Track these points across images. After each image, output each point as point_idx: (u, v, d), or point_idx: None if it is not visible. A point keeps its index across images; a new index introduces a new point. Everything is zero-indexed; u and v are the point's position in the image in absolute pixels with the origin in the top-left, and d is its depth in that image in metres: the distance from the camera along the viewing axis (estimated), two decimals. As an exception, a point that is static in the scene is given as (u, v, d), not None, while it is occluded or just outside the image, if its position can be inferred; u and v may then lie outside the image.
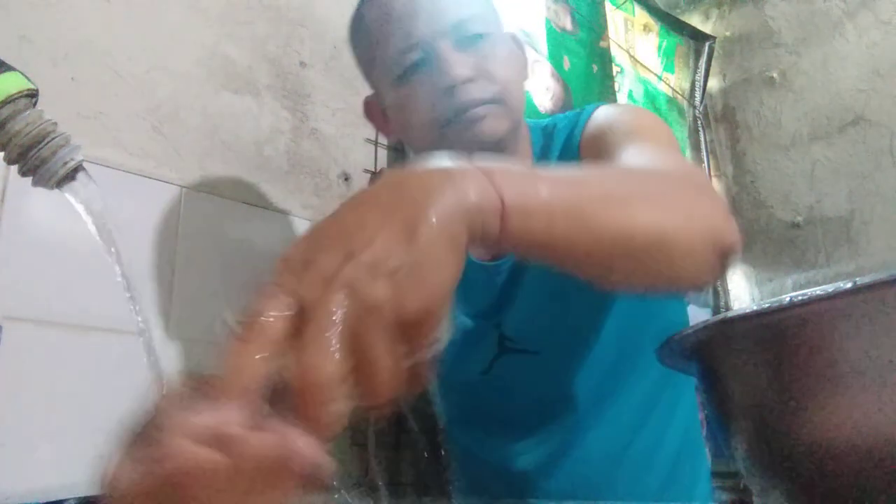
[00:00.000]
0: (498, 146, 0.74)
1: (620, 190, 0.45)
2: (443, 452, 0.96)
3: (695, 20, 2.23)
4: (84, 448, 0.80)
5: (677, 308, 0.86)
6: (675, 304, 0.86)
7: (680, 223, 0.45)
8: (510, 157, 0.77)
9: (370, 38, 0.76)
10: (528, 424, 0.81)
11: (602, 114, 0.77)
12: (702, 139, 2.11)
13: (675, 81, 2.07)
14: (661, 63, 2.03)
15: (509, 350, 0.80)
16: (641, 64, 1.94)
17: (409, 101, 0.74)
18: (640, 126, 0.70)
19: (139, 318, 0.45)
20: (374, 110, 0.83)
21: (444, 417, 0.92)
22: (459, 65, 0.70)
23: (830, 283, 0.29)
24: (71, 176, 0.45)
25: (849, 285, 0.29)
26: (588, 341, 0.77)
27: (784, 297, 0.31)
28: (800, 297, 0.30)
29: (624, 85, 1.84)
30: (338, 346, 0.28)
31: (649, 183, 0.49)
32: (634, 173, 0.54)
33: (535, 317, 0.78)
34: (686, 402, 0.85)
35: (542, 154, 0.80)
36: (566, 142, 0.79)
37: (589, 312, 0.77)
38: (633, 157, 0.62)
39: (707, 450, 0.90)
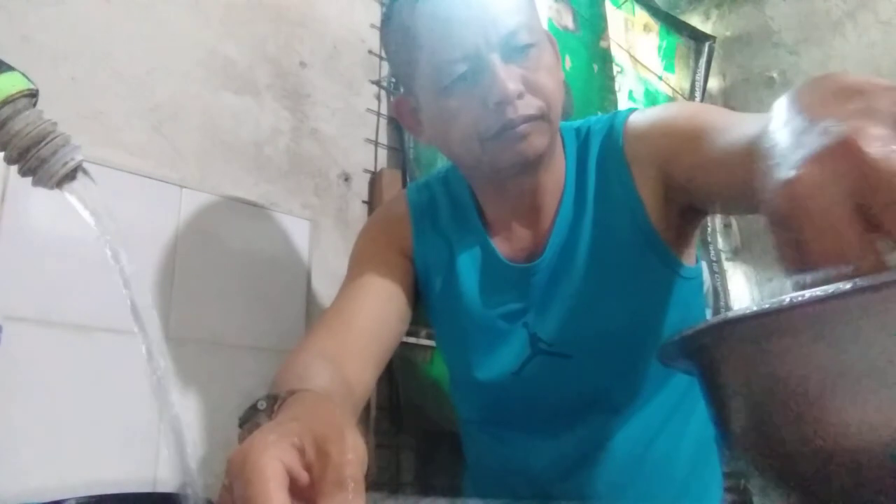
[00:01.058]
0: (539, 160, 0.74)
1: None
2: (456, 450, 0.96)
3: (695, 20, 2.23)
4: (84, 448, 0.80)
5: (701, 317, 0.86)
6: (700, 312, 0.86)
7: None
8: (545, 169, 0.77)
9: (413, 41, 0.73)
10: (554, 426, 0.81)
11: (646, 117, 0.77)
12: (702, 139, 2.10)
13: (675, 81, 2.07)
14: (661, 63, 2.03)
15: (543, 352, 0.79)
16: (641, 64, 1.94)
17: (452, 113, 0.72)
18: (696, 113, 0.70)
19: (139, 319, 0.45)
20: (406, 111, 0.81)
21: (466, 415, 0.92)
22: (510, 80, 0.68)
23: (830, 283, 0.29)
24: (71, 176, 0.45)
25: (849, 285, 0.29)
26: (620, 347, 0.77)
27: (784, 297, 0.31)
28: (800, 297, 0.30)
29: (624, 85, 1.83)
30: None
31: None
32: None
33: (570, 321, 0.77)
34: (702, 407, 0.85)
35: (580, 158, 0.80)
36: (604, 146, 0.78)
37: (622, 319, 0.76)
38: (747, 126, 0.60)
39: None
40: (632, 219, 0.75)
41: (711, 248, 2.00)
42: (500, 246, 0.81)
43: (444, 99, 0.72)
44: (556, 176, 0.79)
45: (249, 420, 0.51)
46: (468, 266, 0.82)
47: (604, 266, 0.76)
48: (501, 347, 0.81)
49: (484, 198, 0.83)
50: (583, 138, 0.81)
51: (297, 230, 1.08)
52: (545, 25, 1.59)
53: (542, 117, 0.71)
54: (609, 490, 0.79)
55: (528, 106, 0.70)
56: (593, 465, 0.80)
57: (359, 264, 0.84)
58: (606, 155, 0.78)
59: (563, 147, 0.81)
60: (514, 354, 0.80)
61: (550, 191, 0.79)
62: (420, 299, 0.87)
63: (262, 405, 0.51)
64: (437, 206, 0.87)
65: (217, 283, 0.96)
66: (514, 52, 0.70)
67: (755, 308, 0.32)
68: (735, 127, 0.62)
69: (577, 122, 0.84)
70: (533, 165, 0.74)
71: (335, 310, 0.78)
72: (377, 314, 0.77)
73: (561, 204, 0.79)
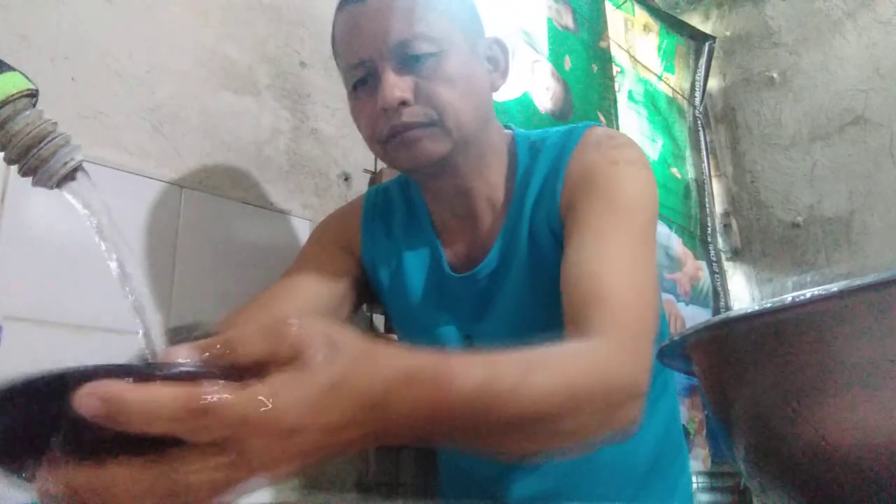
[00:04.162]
0: (440, 165, 0.75)
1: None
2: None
3: (695, 20, 2.23)
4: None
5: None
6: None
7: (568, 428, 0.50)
8: (470, 174, 0.78)
9: (335, 47, 0.79)
10: None
11: (591, 153, 0.76)
12: (702, 139, 2.11)
13: (675, 81, 2.08)
14: (661, 63, 2.03)
15: None
16: (641, 64, 1.94)
17: (357, 114, 0.78)
18: (615, 199, 0.71)
19: (139, 319, 0.45)
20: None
21: None
22: (396, 88, 0.71)
23: (830, 283, 0.29)
24: (71, 176, 0.45)
25: (849, 285, 0.29)
26: None
27: (784, 297, 0.31)
28: (800, 297, 0.30)
29: (624, 85, 1.84)
30: None
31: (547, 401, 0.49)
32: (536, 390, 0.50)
33: (506, 331, 0.77)
34: (666, 403, 0.86)
35: (526, 174, 0.80)
36: (553, 164, 0.78)
37: (556, 330, 0.76)
38: (588, 258, 0.66)
39: (700, 450, 0.90)
40: (554, 231, 0.75)
41: (711, 248, 2.00)
42: (448, 251, 0.83)
43: (352, 101, 0.78)
44: (494, 184, 0.80)
45: None
46: (415, 269, 0.84)
47: (536, 279, 0.76)
48: None
49: (428, 201, 0.85)
50: (536, 152, 0.81)
51: (297, 230, 1.08)
52: (545, 25, 1.59)
53: (434, 124, 0.72)
54: (561, 487, 0.80)
55: (414, 114, 0.72)
56: (545, 467, 0.80)
57: (296, 261, 0.88)
58: (551, 175, 0.78)
59: (517, 158, 0.81)
60: None
61: (488, 198, 0.80)
62: (371, 293, 0.90)
63: None
64: (392, 210, 0.89)
65: (217, 284, 0.96)
66: (408, 60, 0.72)
67: (755, 308, 0.32)
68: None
69: (535, 134, 0.84)
70: (438, 168, 0.75)
71: (252, 301, 0.82)
72: (291, 308, 0.80)
73: (506, 214, 0.79)
